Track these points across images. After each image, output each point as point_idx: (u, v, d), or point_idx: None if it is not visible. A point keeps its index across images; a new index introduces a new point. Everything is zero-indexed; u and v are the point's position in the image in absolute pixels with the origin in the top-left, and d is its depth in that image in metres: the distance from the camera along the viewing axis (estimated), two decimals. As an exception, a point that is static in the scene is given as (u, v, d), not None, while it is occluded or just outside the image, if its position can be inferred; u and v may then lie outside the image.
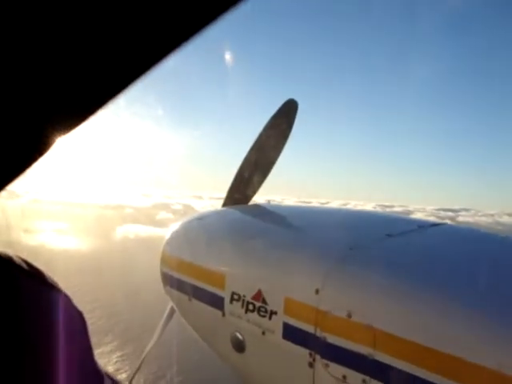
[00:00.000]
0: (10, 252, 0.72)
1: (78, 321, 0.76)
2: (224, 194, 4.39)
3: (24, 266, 0.70)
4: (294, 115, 4.19)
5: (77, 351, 0.73)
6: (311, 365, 2.35)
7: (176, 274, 3.48)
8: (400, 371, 1.97)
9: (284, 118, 4.15)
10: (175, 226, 3.98)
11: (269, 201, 4.21)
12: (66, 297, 0.75)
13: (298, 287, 2.51)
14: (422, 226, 2.94)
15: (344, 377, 2.19)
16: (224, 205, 4.24)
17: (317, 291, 2.35)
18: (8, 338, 0.61)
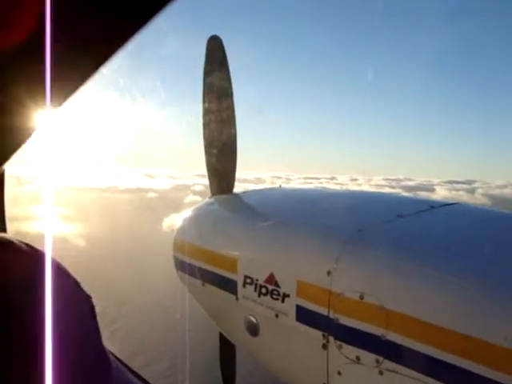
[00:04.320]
0: (9, 236, 0.72)
1: (84, 304, 0.76)
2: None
3: (24, 247, 0.70)
4: (221, 54, 3.56)
5: (82, 335, 0.73)
6: (325, 346, 2.37)
7: (189, 260, 3.50)
8: (413, 351, 1.98)
9: (214, 68, 3.53)
10: (187, 212, 3.98)
11: (280, 185, 4.16)
12: (73, 280, 0.75)
13: (310, 269, 2.52)
14: (434, 206, 2.90)
15: (357, 357, 2.21)
16: (213, 194, 3.95)
17: (329, 273, 2.35)
18: (5, 320, 0.61)
